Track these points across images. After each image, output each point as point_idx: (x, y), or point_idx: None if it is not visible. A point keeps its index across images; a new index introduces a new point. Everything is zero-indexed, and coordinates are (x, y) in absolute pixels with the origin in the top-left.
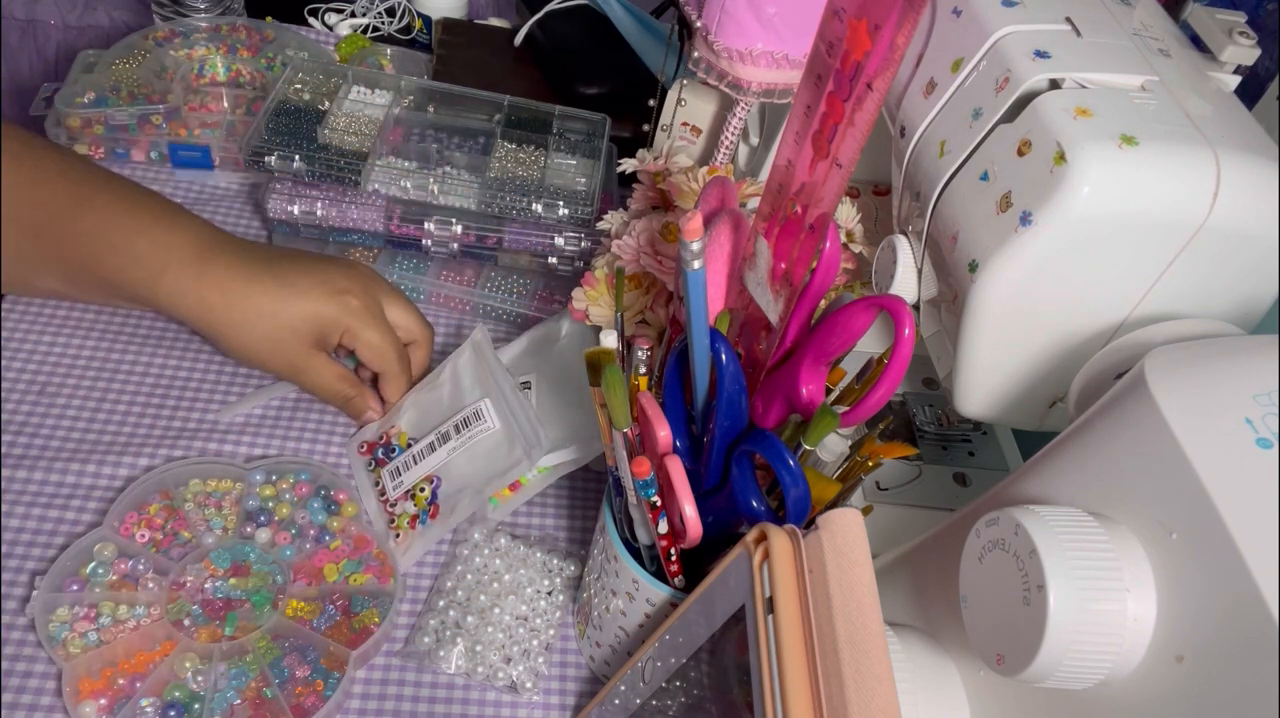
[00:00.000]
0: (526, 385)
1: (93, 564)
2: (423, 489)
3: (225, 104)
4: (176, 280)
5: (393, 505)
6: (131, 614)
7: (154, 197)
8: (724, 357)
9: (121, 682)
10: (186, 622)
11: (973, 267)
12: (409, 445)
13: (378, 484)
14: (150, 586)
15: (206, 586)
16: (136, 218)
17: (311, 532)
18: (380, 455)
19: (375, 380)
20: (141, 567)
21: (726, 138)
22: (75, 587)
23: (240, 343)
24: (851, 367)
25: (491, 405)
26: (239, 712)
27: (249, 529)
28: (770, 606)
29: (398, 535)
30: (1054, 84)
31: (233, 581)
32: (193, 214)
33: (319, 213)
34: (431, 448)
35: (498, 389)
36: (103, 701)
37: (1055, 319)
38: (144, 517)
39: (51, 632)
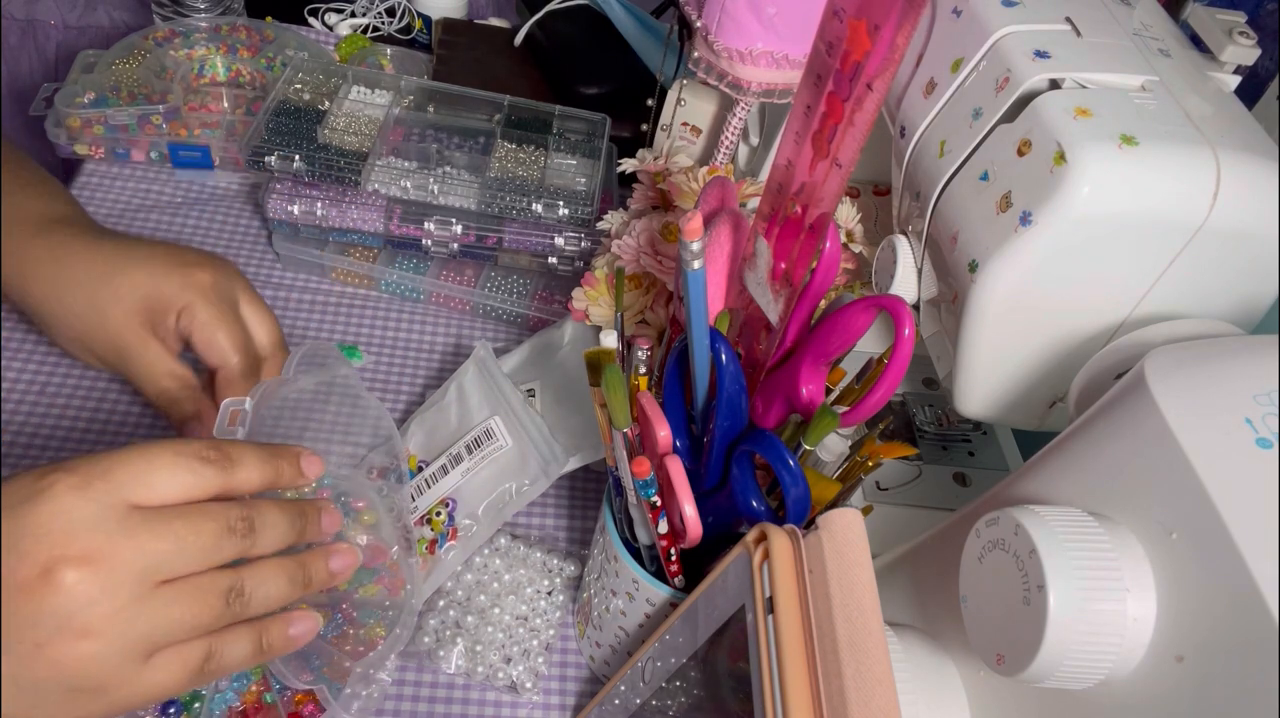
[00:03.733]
0: (530, 394)
1: None
2: (439, 514)
3: (225, 104)
4: (16, 243)
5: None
6: None
7: (23, 162)
8: (724, 357)
9: None
10: None
11: (973, 267)
12: (420, 469)
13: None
14: None
15: None
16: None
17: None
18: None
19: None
20: None
21: (726, 138)
22: None
23: (58, 315)
24: (851, 367)
25: (502, 423)
26: (236, 715)
27: None
28: (770, 606)
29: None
30: (1054, 84)
31: None
32: (58, 185)
33: (319, 213)
34: (444, 470)
35: (507, 406)
36: None
37: (1055, 319)
38: None
39: None
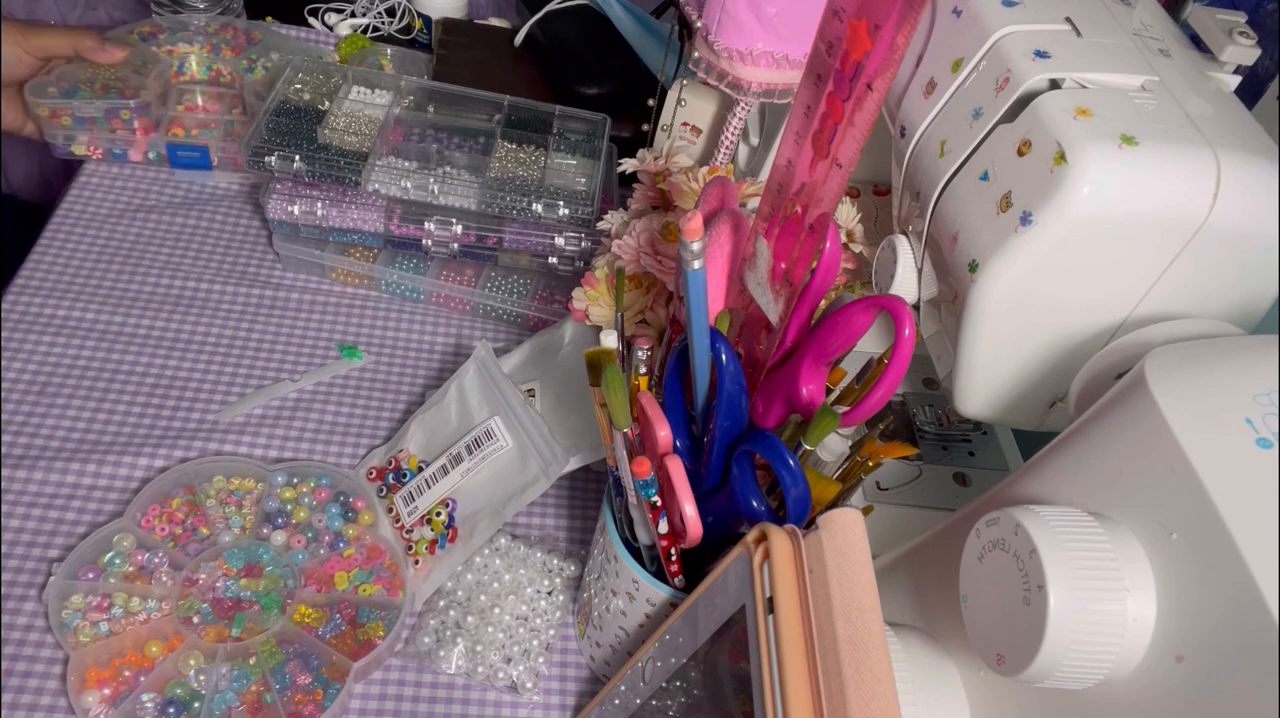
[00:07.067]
0: (530, 394)
1: (111, 554)
2: (439, 513)
3: (218, 104)
4: None
5: (409, 532)
6: (143, 608)
7: None
8: (724, 357)
9: (127, 673)
10: (195, 619)
11: (973, 267)
12: (420, 469)
13: (391, 511)
14: (164, 579)
15: (218, 584)
16: None
17: (326, 538)
18: (391, 481)
19: None
20: (157, 560)
21: (726, 138)
22: (91, 575)
23: None
24: (851, 367)
25: (503, 423)
26: (236, 715)
27: (265, 531)
28: (770, 606)
29: (416, 562)
30: (1054, 84)
31: (244, 581)
32: None
33: (319, 213)
34: (444, 470)
35: (507, 406)
36: (106, 691)
37: (1055, 319)
38: (166, 510)
39: (64, 619)
